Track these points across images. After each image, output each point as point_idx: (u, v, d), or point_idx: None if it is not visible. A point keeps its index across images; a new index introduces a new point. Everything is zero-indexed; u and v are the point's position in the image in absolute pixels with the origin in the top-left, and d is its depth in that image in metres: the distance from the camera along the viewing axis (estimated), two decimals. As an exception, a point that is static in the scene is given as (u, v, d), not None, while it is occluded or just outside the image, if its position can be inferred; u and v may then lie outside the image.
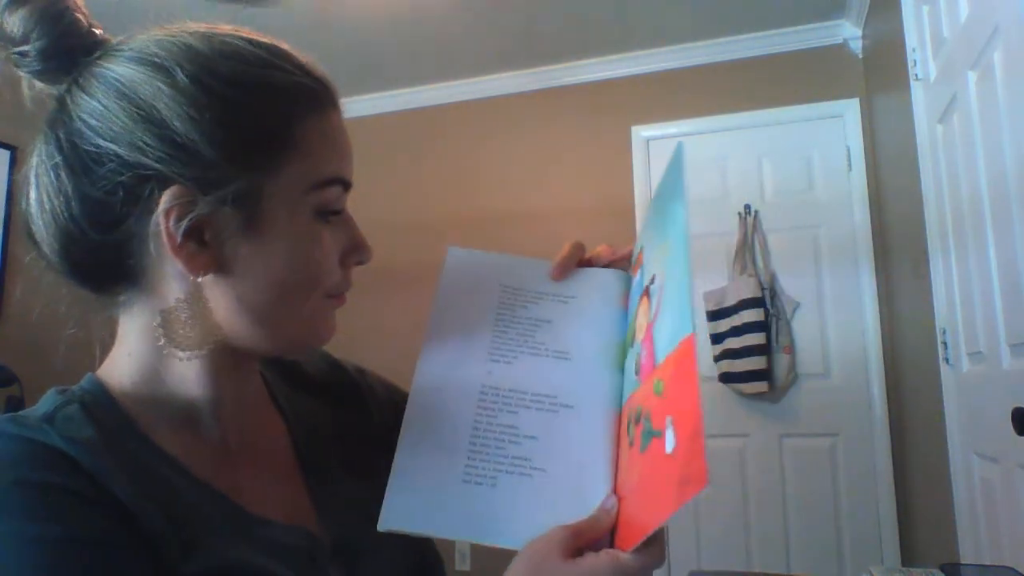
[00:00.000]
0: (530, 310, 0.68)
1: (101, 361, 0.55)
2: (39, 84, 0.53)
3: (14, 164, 2.86)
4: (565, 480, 0.58)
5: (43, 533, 0.41)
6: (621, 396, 0.62)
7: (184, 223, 0.48)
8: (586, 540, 0.51)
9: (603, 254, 0.70)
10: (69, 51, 0.51)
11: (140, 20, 0.54)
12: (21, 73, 0.52)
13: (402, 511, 0.58)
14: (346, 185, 0.55)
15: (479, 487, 0.59)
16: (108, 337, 0.55)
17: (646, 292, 0.61)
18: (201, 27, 0.52)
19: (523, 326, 0.67)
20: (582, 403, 0.61)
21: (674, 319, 0.52)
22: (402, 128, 3.57)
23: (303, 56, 0.55)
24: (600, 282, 0.69)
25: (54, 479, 0.43)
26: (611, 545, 0.52)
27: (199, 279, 0.50)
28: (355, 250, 0.57)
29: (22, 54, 0.51)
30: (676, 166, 0.61)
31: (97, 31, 0.53)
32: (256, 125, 0.50)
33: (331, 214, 0.54)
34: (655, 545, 0.48)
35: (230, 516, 0.51)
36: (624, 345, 0.65)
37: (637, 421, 0.55)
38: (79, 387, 0.52)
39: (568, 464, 0.59)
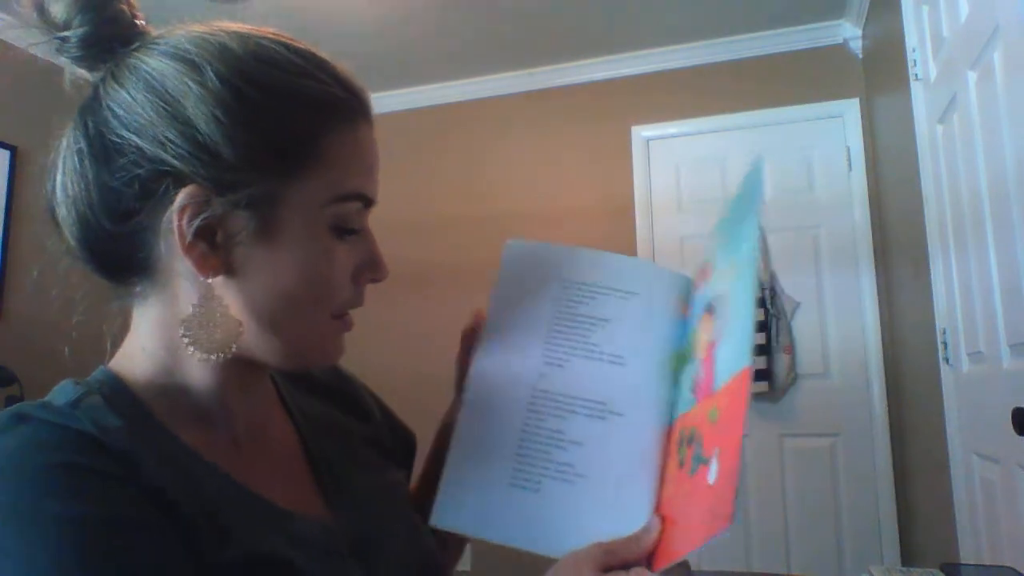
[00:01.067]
0: (588, 306, 0.66)
1: (112, 354, 0.55)
2: (79, 71, 0.53)
3: (14, 164, 2.86)
4: (607, 489, 0.57)
5: (84, 514, 0.41)
6: (672, 408, 0.61)
7: (196, 223, 0.48)
8: (621, 559, 0.51)
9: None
10: (109, 40, 0.52)
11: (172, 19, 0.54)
12: (61, 58, 0.53)
13: (453, 510, 0.60)
14: (367, 202, 0.55)
15: (524, 491, 0.59)
16: (120, 331, 0.55)
17: (711, 310, 0.60)
18: (242, 28, 0.52)
19: (580, 325, 0.65)
20: (632, 412, 0.60)
21: (734, 348, 0.52)
22: (401, 128, 3.57)
23: (341, 67, 0.54)
24: (662, 283, 0.67)
25: (91, 462, 0.43)
26: (649, 564, 0.52)
27: (208, 280, 0.50)
28: (370, 267, 0.56)
29: (63, 39, 0.52)
30: (752, 181, 0.58)
31: (139, 22, 0.54)
32: (281, 131, 0.50)
33: (348, 232, 0.54)
34: (682, 568, 0.48)
35: (255, 507, 0.51)
36: (680, 355, 0.63)
37: (689, 442, 0.54)
38: (94, 379, 0.52)
39: (611, 474, 0.58)
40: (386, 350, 3.34)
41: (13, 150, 2.85)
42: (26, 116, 2.69)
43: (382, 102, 3.58)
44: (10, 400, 2.58)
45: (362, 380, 0.77)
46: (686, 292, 0.67)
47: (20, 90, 2.62)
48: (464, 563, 3.08)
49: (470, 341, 0.67)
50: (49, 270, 0.54)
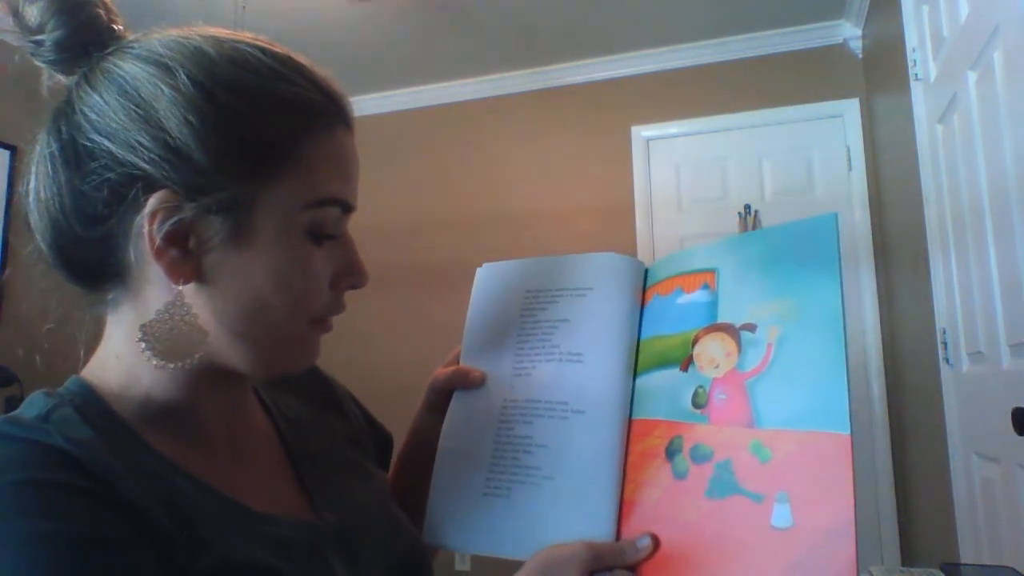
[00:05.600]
0: (549, 311, 0.67)
1: (85, 362, 0.54)
2: (56, 75, 0.52)
3: (14, 164, 2.86)
4: (572, 488, 0.58)
5: (54, 530, 0.41)
6: (631, 398, 0.62)
7: (166, 228, 0.47)
8: (604, 565, 0.51)
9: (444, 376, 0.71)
10: (83, 44, 0.51)
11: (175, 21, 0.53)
12: (36, 62, 0.52)
13: (440, 527, 0.62)
14: (346, 208, 0.53)
15: (496, 499, 0.60)
16: (93, 338, 0.54)
17: (727, 329, 0.58)
18: (219, 32, 0.52)
19: (542, 330, 0.67)
20: (592, 408, 0.61)
21: (807, 401, 0.51)
22: (401, 128, 3.57)
23: (320, 71, 0.53)
24: (615, 274, 0.67)
25: (64, 478, 0.43)
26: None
27: (179, 287, 0.49)
28: (349, 273, 0.55)
29: (37, 43, 0.51)
30: (827, 236, 0.56)
31: (116, 27, 0.53)
32: (253, 135, 0.49)
33: (326, 237, 0.53)
34: None
35: (232, 514, 0.51)
36: (648, 345, 0.63)
37: (700, 459, 0.54)
38: (66, 389, 0.51)
39: (575, 472, 0.59)
40: (385, 349, 3.34)
41: (13, 150, 2.86)
42: (26, 116, 2.69)
43: (382, 102, 3.58)
44: (10, 400, 2.58)
45: (357, 379, 0.77)
46: (640, 278, 0.67)
47: (20, 90, 2.62)
48: (464, 563, 3.08)
49: (453, 382, 0.69)
50: (30, 275, 0.53)
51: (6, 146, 2.84)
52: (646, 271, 0.68)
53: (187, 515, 0.47)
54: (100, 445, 0.46)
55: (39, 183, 0.51)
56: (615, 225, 3.21)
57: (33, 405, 0.49)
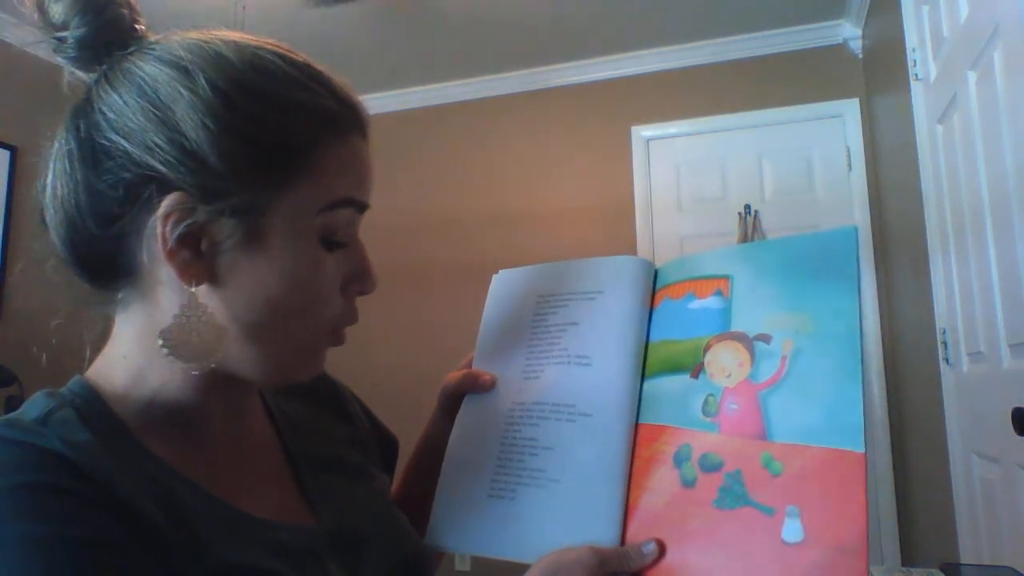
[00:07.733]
0: (559, 314, 0.68)
1: (91, 361, 0.54)
2: (77, 72, 0.53)
3: (14, 164, 2.86)
4: (577, 491, 0.58)
5: (49, 534, 0.41)
6: (639, 402, 0.61)
7: (180, 229, 0.48)
8: (609, 570, 0.51)
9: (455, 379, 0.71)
10: (105, 43, 0.52)
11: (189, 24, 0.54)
12: (58, 59, 0.52)
13: (443, 528, 0.62)
14: (359, 207, 0.54)
15: (501, 501, 0.60)
16: (100, 337, 0.55)
17: (740, 339, 0.57)
18: (240, 37, 0.52)
19: (552, 333, 0.67)
20: (599, 412, 0.61)
21: (821, 417, 0.51)
22: (401, 128, 3.57)
23: (337, 79, 0.54)
24: (626, 274, 0.67)
25: (59, 482, 0.43)
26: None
27: (191, 288, 0.49)
28: (359, 279, 0.55)
29: (60, 40, 0.52)
30: (847, 250, 0.55)
31: (139, 27, 0.53)
32: (270, 141, 0.49)
33: (337, 244, 0.53)
34: None
35: (230, 519, 0.51)
36: (656, 348, 0.63)
37: (709, 468, 0.54)
38: (68, 390, 0.51)
39: (581, 474, 0.58)
40: (386, 349, 3.34)
41: (13, 150, 2.85)
42: (26, 116, 2.70)
43: (382, 102, 3.58)
44: (10, 400, 2.58)
45: (358, 380, 0.77)
46: (650, 280, 0.66)
47: (20, 90, 2.62)
48: (464, 563, 3.08)
49: (464, 386, 0.69)
50: (41, 270, 0.54)
51: (6, 146, 2.84)
52: (656, 271, 0.67)
53: (184, 519, 0.47)
54: (98, 448, 0.46)
55: (56, 179, 0.51)
56: (615, 225, 3.21)
57: (34, 406, 0.49)
